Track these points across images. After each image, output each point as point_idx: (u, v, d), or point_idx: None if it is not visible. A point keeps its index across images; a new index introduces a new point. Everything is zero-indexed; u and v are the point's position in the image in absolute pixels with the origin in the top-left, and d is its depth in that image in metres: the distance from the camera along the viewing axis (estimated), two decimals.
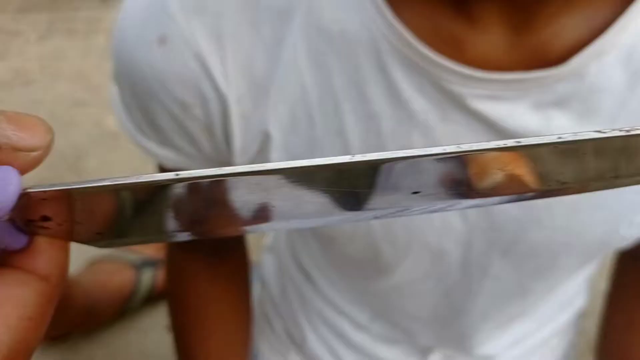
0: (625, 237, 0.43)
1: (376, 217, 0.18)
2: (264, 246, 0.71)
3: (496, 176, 0.17)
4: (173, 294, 0.59)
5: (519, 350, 0.58)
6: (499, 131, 0.36)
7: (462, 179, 0.17)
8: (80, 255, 1.00)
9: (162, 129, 0.42)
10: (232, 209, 0.17)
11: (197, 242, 0.47)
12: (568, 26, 0.34)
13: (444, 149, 0.17)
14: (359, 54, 0.36)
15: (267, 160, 0.41)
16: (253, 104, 0.39)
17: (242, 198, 0.17)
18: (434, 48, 0.35)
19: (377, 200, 0.17)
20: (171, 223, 0.17)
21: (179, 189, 0.17)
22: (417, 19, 0.35)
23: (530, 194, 0.18)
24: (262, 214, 0.17)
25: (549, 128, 0.36)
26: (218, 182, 0.16)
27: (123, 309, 1.00)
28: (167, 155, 0.44)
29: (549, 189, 0.18)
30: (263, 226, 0.18)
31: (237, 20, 0.37)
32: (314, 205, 0.17)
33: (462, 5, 0.34)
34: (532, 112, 0.36)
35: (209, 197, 0.17)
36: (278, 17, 0.37)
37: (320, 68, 0.37)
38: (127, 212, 0.17)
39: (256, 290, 0.67)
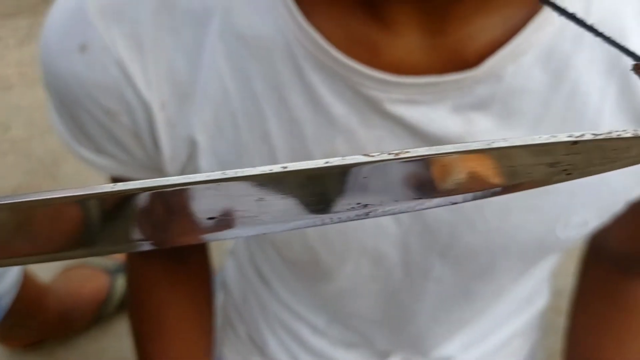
0: (563, 239, 0.42)
1: (340, 221, 0.18)
2: (226, 250, 0.70)
3: (460, 176, 0.17)
4: (133, 301, 0.58)
5: (478, 351, 0.58)
6: (421, 135, 0.36)
7: (426, 180, 0.17)
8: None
9: (93, 137, 0.42)
10: (195, 218, 0.17)
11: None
12: (484, 27, 0.34)
13: (427, 150, 0.16)
14: (276, 59, 0.35)
15: (197, 168, 0.40)
16: (177, 110, 0.39)
17: (206, 206, 0.16)
18: (348, 52, 0.34)
19: (344, 204, 0.17)
20: (135, 233, 0.17)
21: (140, 199, 0.16)
22: (330, 23, 0.34)
23: (495, 189, 0.18)
24: (226, 222, 0.17)
25: (472, 131, 0.36)
26: (180, 191, 0.16)
27: (98, 314, 1.00)
28: (103, 163, 0.43)
29: (513, 184, 0.18)
30: (226, 233, 0.17)
31: (155, 25, 0.37)
32: (280, 212, 0.17)
33: (375, 8, 0.34)
34: (452, 115, 0.35)
35: (169, 206, 0.16)
36: (196, 21, 0.36)
37: (240, 72, 0.37)
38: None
39: (220, 295, 0.66)
